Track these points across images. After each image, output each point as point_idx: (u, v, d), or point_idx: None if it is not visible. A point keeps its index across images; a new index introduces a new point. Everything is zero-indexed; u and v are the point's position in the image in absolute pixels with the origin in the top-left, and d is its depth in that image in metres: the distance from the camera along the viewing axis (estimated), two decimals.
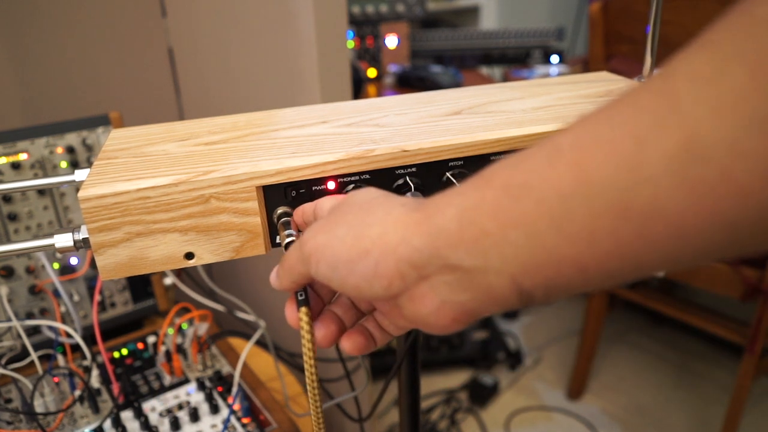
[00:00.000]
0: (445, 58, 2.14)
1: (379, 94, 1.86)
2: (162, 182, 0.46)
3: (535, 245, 0.30)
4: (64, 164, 0.98)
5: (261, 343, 1.01)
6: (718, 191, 0.26)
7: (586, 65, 1.98)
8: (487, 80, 2.12)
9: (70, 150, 0.98)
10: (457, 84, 1.80)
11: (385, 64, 2.00)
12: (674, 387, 2.00)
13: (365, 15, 1.94)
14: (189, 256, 0.49)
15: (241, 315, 1.04)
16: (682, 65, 0.29)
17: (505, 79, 2.12)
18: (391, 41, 1.99)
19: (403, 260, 0.33)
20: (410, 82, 1.87)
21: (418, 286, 0.34)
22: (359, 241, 0.35)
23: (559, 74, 2.02)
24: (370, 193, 0.39)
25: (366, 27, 1.97)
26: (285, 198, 0.49)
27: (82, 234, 0.48)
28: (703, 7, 1.49)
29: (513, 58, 2.13)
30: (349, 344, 0.43)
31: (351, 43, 1.96)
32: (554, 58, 2.10)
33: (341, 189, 0.50)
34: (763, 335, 1.52)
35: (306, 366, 0.41)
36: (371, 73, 1.99)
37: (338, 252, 0.35)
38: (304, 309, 0.41)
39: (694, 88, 0.27)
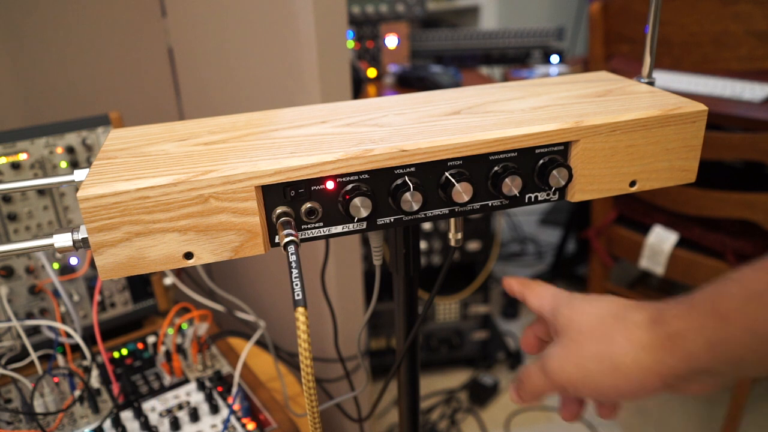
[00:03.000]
0: (445, 58, 2.13)
1: (379, 94, 1.86)
2: (161, 182, 0.46)
3: None
4: (63, 164, 0.98)
5: (261, 343, 1.01)
6: None
7: (586, 65, 1.98)
8: (487, 80, 2.12)
9: (70, 150, 0.98)
10: (456, 84, 1.80)
11: (385, 64, 2.00)
12: None
13: (365, 15, 1.94)
14: (188, 255, 0.49)
15: (241, 315, 1.04)
16: None
17: (505, 79, 2.12)
18: (391, 41, 1.99)
19: (668, 376, 0.41)
20: (410, 82, 1.87)
21: (681, 387, 0.42)
22: (617, 371, 0.42)
23: (559, 74, 2.02)
24: (593, 314, 0.45)
25: (366, 27, 1.97)
26: (284, 197, 0.49)
27: (82, 234, 0.48)
28: (703, 7, 1.49)
29: (513, 58, 2.13)
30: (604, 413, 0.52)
31: (351, 43, 1.96)
32: (554, 58, 2.10)
33: (340, 188, 0.50)
34: None
35: (302, 366, 0.42)
36: (371, 73, 1.99)
37: (601, 382, 0.43)
38: (300, 309, 0.42)
39: None
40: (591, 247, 1.85)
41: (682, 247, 1.61)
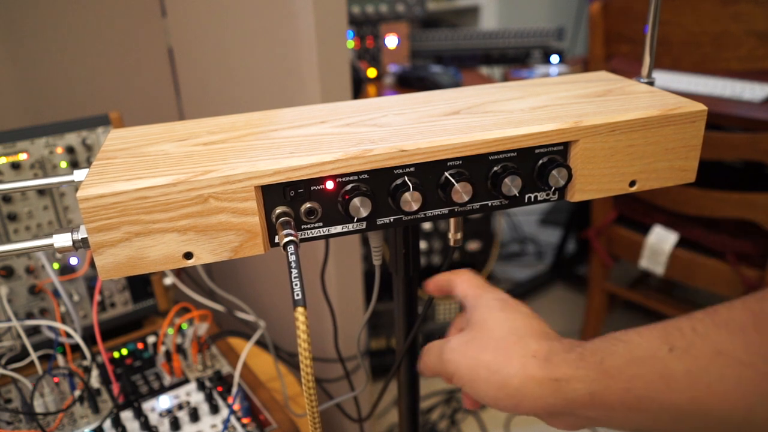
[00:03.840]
0: (445, 58, 2.13)
1: (379, 94, 1.86)
2: (160, 182, 0.46)
3: (653, 428, 0.42)
4: (63, 164, 0.98)
5: (261, 343, 1.01)
6: None
7: (586, 65, 1.98)
8: (487, 80, 2.12)
9: (70, 150, 0.98)
10: (456, 84, 1.80)
11: (385, 64, 2.00)
12: None
13: (365, 15, 1.95)
14: (188, 255, 0.49)
15: (240, 315, 1.04)
16: None
17: (505, 79, 2.12)
18: (391, 41, 1.99)
19: (541, 409, 0.45)
20: (410, 82, 1.87)
21: (550, 419, 0.46)
22: (503, 388, 0.46)
23: (559, 74, 2.02)
24: (504, 326, 0.49)
25: (366, 27, 1.97)
26: (284, 198, 0.49)
27: (81, 234, 0.48)
28: (703, 8, 1.49)
29: (513, 58, 2.13)
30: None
31: (351, 43, 1.96)
32: (554, 58, 2.10)
33: (339, 188, 0.50)
34: None
35: (302, 366, 0.42)
36: (371, 73, 1.99)
37: (484, 390, 0.47)
38: (300, 309, 0.42)
39: None
40: (591, 247, 1.85)
41: (682, 247, 1.61)
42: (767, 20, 1.42)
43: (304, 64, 1.11)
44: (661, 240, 1.64)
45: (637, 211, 1.74)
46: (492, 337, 0.48)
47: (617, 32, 1.65)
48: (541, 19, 3.23)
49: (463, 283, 0.56)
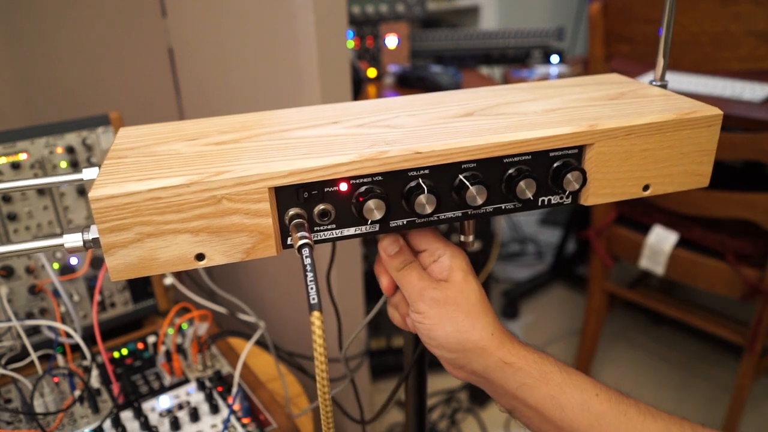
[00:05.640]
0: (445, 58, 2.13)
1: (379, 94, 1.86)
2: (174, 183, 0.45)
3: (521, 416, 0.55)
4: (63, 164, 0.97)
5: (261, 343, 1.00)
6: None
7: (586, 65, 1.98)
8: (487, 80, 2.12)
9: (70, 150, 0.97)
10: (456, 84, 1.79)
11: (385, 64, 1.99)
12: (674, 387, 2.00)
13: (365, 15, 1.94)
14: (200, 257, 0.48)
15: (240, 316, 1.03)
16: None
17: (505, 79, 2.11)
18: (391, 41, 1.98)
19: (469, 369, 0.55)
20: (410, 82, 1.86)
21: (456, 369, 0.56)
22: (456, 343, 0.54)
23: (559, 74, 2.02)
24: (476, 295, 0.56)
25: (366, 27, 1.96)
26: (297, 199, 0.49)
27: (92, 234, 0.47)
28: (703, 8, 1.49)
29: (513, 58, 2.12)
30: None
31: (351, 43, 1.95)
32: (554, 58, 2.09)
33: (353, 190, 0.49)
34: (763, 335, 1.52)
35: (317, 371, 0.41)
36: (371, 73, 1.99)
37: (439, 338, 0.55)
38: (316, 313, 0.41)
39: None
40: (591, 247, 1.85)
41: (682, 247, 1.61)
42: (767, 20, 1.43)
43: (304, 64, 1.10)
44: (661, 240, 1.64)
45: (637, 211, 1.74)
46: (467, 302, 0.55)
47: (617, 32, 1.65)
48: (541, 19, 3.23)
49: (426, 234, 0.60)
